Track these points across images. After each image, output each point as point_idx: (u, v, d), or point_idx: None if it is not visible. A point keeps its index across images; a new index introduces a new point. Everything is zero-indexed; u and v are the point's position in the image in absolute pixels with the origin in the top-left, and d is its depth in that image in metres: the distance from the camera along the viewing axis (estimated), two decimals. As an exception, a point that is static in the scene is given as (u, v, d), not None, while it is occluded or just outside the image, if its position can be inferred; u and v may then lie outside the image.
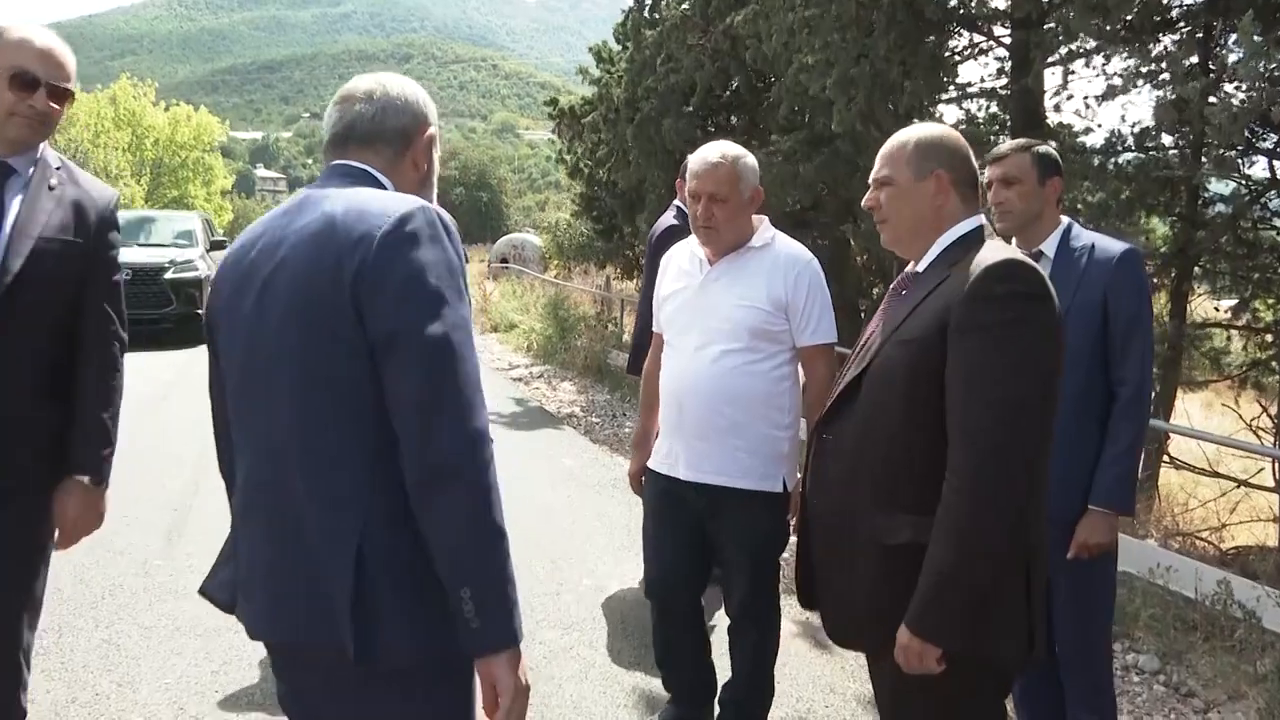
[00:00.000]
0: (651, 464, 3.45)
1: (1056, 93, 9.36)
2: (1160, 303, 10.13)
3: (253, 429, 1.87)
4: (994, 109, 10.40)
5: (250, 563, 1.89)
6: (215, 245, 16.53)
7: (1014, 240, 3.26)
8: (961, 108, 10.45)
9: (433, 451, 1.67)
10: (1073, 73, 9.19)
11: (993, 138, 9.81)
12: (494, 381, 12.84)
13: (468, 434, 1.69)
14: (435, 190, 2.11)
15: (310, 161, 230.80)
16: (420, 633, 1.76)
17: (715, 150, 3.27)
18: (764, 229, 3.33)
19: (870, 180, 2.42)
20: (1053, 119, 9.51)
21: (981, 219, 2.34)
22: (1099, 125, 11.56)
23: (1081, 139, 9.38)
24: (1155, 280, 9.74)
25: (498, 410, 10.57)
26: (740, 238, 3.27)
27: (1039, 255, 3.16)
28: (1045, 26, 8.17)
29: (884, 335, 2.30)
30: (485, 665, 1.72)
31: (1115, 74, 8.34)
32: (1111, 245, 3.12)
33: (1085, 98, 9.17)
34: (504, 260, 32.57)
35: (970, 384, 2.08)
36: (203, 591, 2.02)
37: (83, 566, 5.11)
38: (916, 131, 2.36)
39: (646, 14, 15.33)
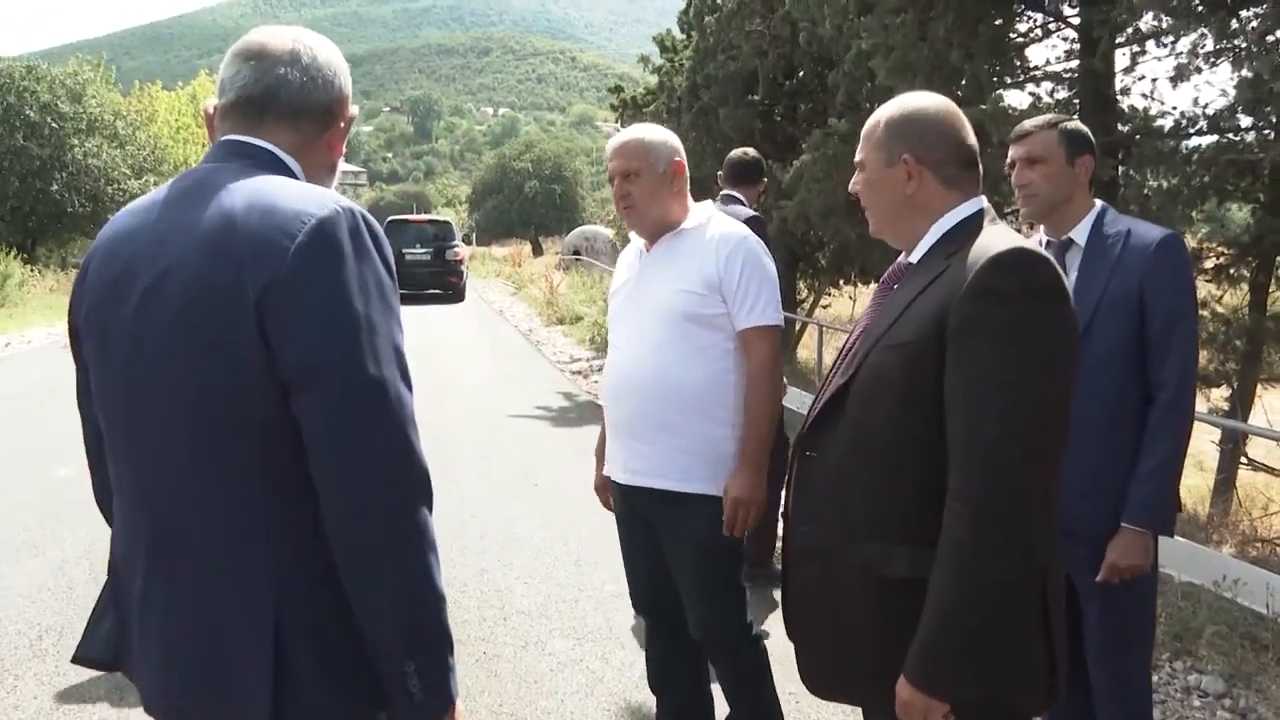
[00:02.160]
0: (606, 470, 3.22)
1: (1127, 73, 8.88)
2: (1240, 294, 9.63)
3: (134, 465, 1.58)
4: (1064, 93, 9.95)
5: (140, 620, 1.60)
6: None
7: (1040, 227, 2.96)
8: (1028, 91, 10.00)
9: (359, 515, 1.44)
10: (1144, 52, 8.71)
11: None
12: (547, 375, 12.75)
13: (401, 493, 1.46)
14: (338, 179, 1.80)
15: (390, 155, 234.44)
16: (352, 714, 1.53)
17: (629, 130, 3.10)
18: (701, 210, 3.11)
19: (855, 162, 2.14)
20: (1124, 102, 9.04)
21: (982, 202, 2.04)
22: (1174, 108, 10.95)
23: (1159, 122, 8.92)
24: (1233, 270, 9.26)
25: (545, 405, 10.43)
26: (668, 218, 3.05)
27: (1069, 243, 2.87)
28: (1111, 4, 7.73)
29: (873, 338, 2.01)
30: None
31: (1186, 53, 7.85)
32: (1149, 231, 2.81)
33: (1155, 79, 8.66)
34: (576, 252, 32.49)
35: (974, 392, 1.78)
36: (78, 659, 1.73)
37: (98, 567, 5.02)
38: (889, 108, 2.08)
39: (709, 1, 15.02)
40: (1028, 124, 2.88)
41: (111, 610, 1.70)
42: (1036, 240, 2.99)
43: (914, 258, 2.05)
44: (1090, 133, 2.89)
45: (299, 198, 1.51)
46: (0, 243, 23.21)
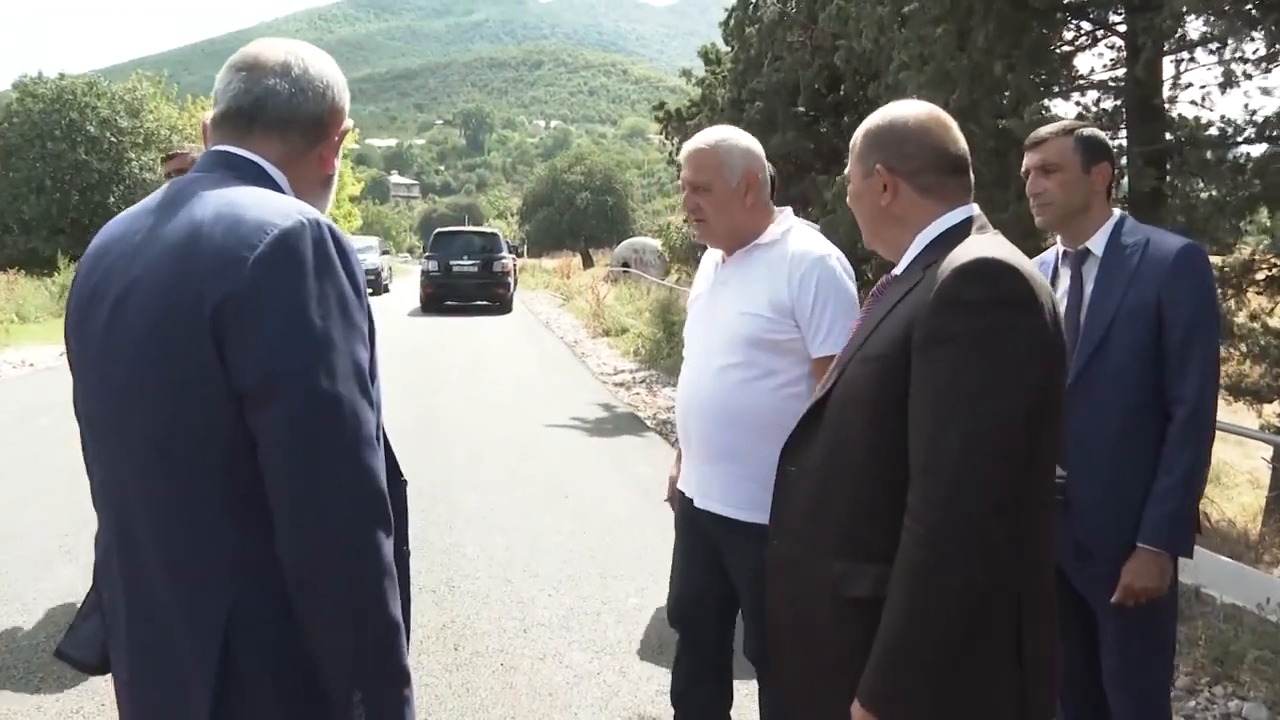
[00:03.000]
0: (679, 484, 3.16)
1: (1174, 83, 8.70)
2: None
3: (103, 472, 1.59)
4: (1113, 102, 9.78)
5: (112, 626, 1.61)
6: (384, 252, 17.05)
7: (1058, 237, 2.88)
8: (1074, 101, 9.82)
9: (309, 536, 1.40)
10: (1193, 60, 8.53)
11: (1111, 132, 9.24)
12: (589, 386, 12.73)
13: (351, 514, 1.41)
14: (334, 195, 1.78)
15: (442, 168, 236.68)
16: None
17: (700, 136, 2.92)
18: (781, 221, 2.92)
19: None
20: (1172, 111, 8.86)
21: (971, 210, 1.96)
22: (1222, 116, 10.65)
23: (1209, 131, 8.73)
24: (1286, 283, 9.02)
25: (583, 416, 10.41)
26: (742, 231, 2.87)
27: (1086, 253, 2.79)
28: (1156, 10, 7.58)
29: (851, 351, 1.95)
30: None
31: (1234, 58, 7.67)
32: (1168, 240, 2.72)
33: (1204, 87, 8.46)
34: (624, 265, 32.50)
35: (934, 406, 1.71)
36: (60, 654, 1.75)
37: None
38: (871, 119, 2.03)
39: (750, 12, 14.98)
40: (1043, 131, 2.81)
41: (96, 614, 1.71)
42: (1052, 251, 2.91)
43: (898, 269, 1.99)
44: (1107, 140, 2.81)
45: (266, 208, 1.48)
46: (62, 254, 23.67)
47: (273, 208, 1.48)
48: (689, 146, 2.90)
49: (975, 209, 1.96)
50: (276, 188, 1.60)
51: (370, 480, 1.43)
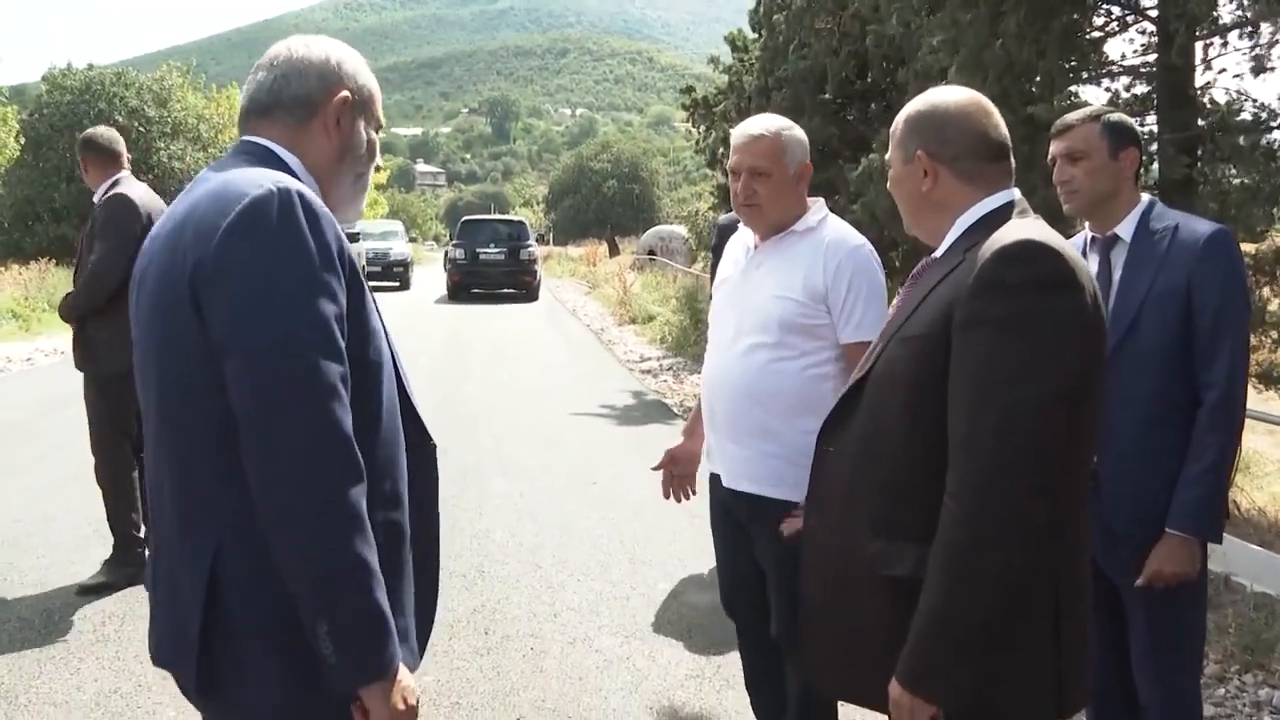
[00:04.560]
0: (709, 464, 3.18)
1: (1206, 68, 8.61)
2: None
3: (146, 430, 1.75)
4: (1143, 88, 9.69)
5: (152, 557, 1.79)
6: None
7: (1086, 224, 2.88)
8: (1104, 87, 9.73)
9: (268, 479, 1.49)
10: (1226, 44, 8.43)
11: (1141, 118, 9.15)
12: (616, 374, 12.77)
13: (310, 456, 1.49)
14: (368, 160, 1.87)
15: (468, 156, 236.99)
16: (292, 689, 1.58)
17: (758, 122, 2.96)
18: (815, 210, 2.99)
19: None
20: (1204, 97, 8.76)
21: (1013, 194, 1.98)
22: (1254, 101, 10.48)
23: (1241, 117, 8.63)
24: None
25: (610, 403, 10.45)
26: (786, 218, 2.94)
27: (1115, 239, 2.79)
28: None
29: (890, 332, 1.97)
30: (357, 696, 1.55)
31: (1268, 44, 7.58)
32: (1198, 225, 2.72)
33: (1239, 74, 8.37)
34: (651, 252, 32.45)
35: (973, 387, 1.73)
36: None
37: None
38: (912, 105, 2.04)
39: (778, -1, 14.91)
40: (1069, 117, 2.80)
41: None
42: (1080, 237, 2.91)
43: (939, 252, 2.01)
44: (1134, 125, 2.81)
45: (247, 181, 1.60)
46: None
47: (252, 180, 1.60)
48: (747, 132, 2.94)
49: (1016, 193, 1.97)
50: (284, 166, 1.72)
51: (329, 428, 1.50)
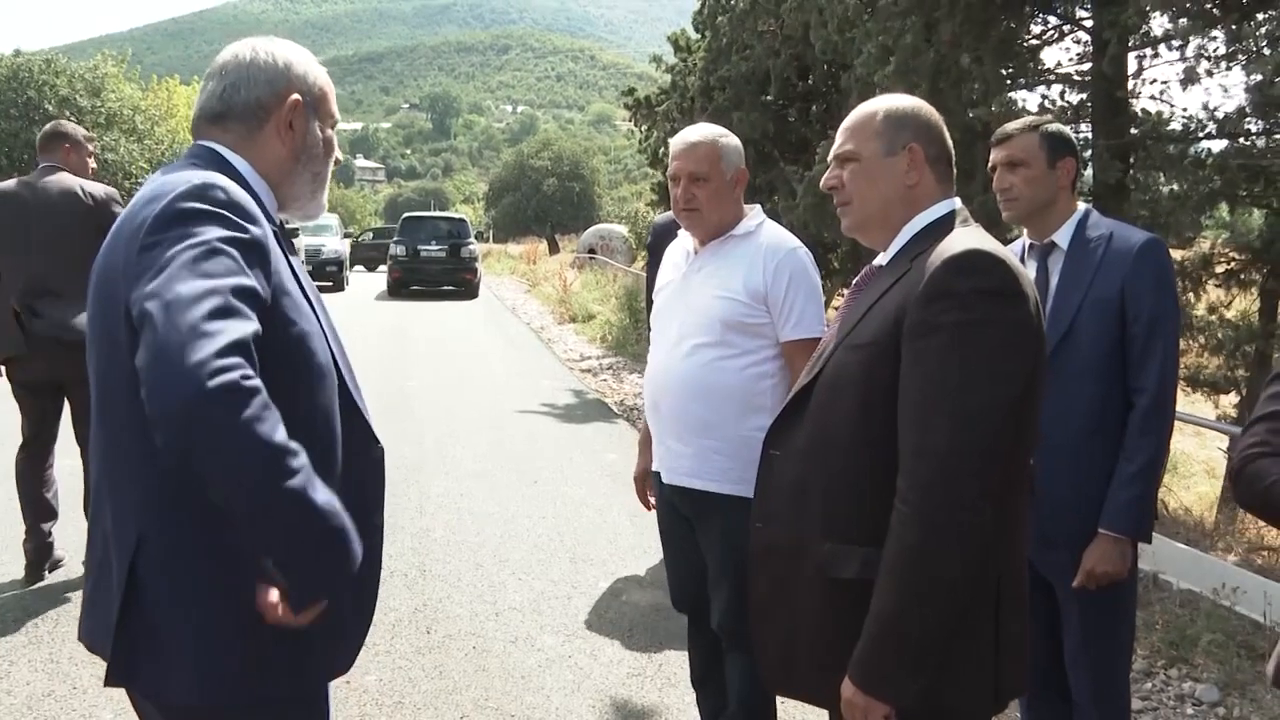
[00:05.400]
0: (655, 467, 3.23)
1: (1138, 77, 8.82)
2: (1249, 299, 9.56)
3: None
4: (1079, 96, 9.89)
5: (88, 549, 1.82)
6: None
7: (1024, 231, 2.95)
8: (1039, 94, 9.93)
9: (161, 425, 1.41)
10: (1156, 55, 8.65)
11: (1076, 125, 9.33)
12: (556, 373, 12.76)
13: (194, 392, 1.38)
14: (325, 158, 1.89)
15: (408, 151, 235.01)
16: (213, 684, 1.59)
17: (696, 131, 3.06)
18: (752, 216, 3.09)
19: (831, 156, 2.13)
20: (1135, 105, 8.98)
21: (956, 202, 2.04)
22: (1183, 110, 10.80)
23: (1171, 127, 8.86)
24: (1243, 276, 9.20)
25: (551, 402, 10.45)
26: (725, 222, 3.04)
27: (1052, 246, 2.86)
28: (1122, 6, 7.67)
29: (837, 338, 2.01)
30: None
31: (1195, 57, 7.79)
32: (1132, 234, 2.80)
33: (1166, 83, 8.60)
34: (591, 251, 32.44)
35: (923, 394, 1.78)
36: None
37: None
38: (885, 101, 2.07)
39: (722, 1, 14.98)
40: (1008, 127, 2.87)
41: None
42: (1019, 244, 2.98)
43: (885, 259, 2.05)
44: (1071, 135, 2.89)
45: (178, 180, 1.63)
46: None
47: (182, 178, 1.63)
48: (686, 140, 3.03)
49: (958, 202, 2.03)
50: (231, 169, 1.75)
51: (219, 368, 1.40)
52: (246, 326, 1.47)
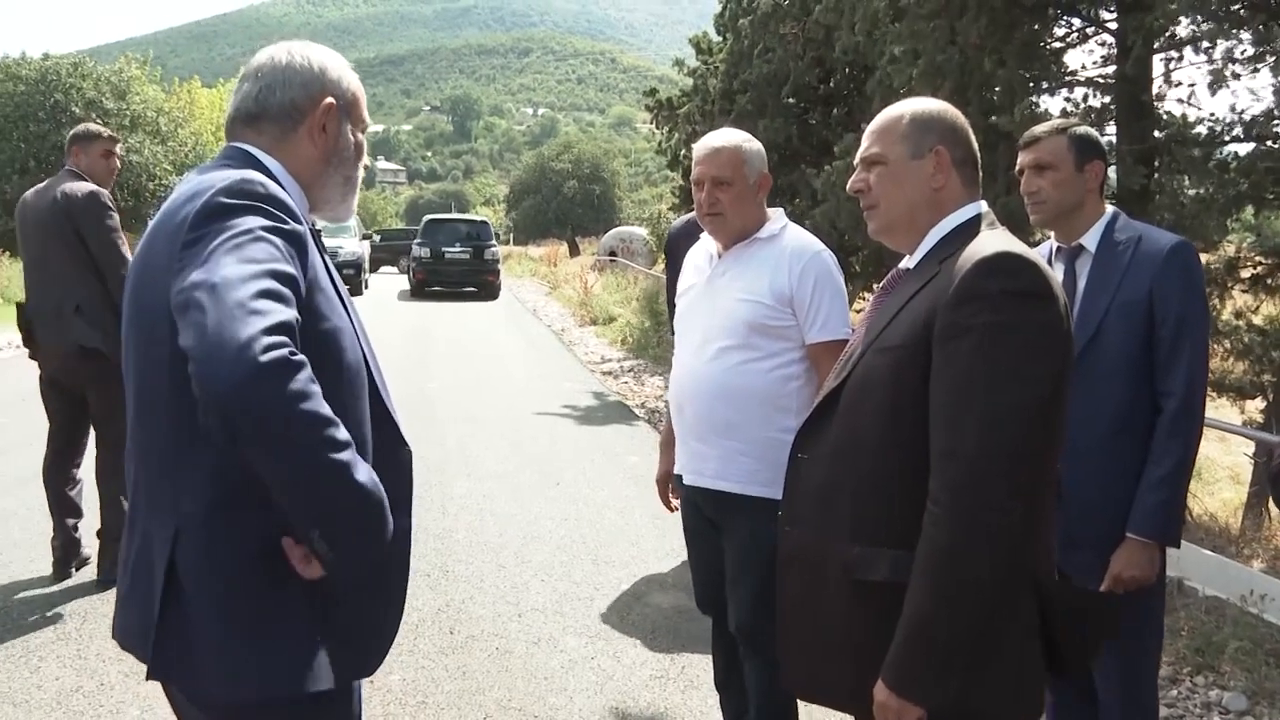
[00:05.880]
0: (676, 470, 3.24)
1: (1164, 80, 8.78)
2: (1277, 304, 9.47)
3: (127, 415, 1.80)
4: (1103, 99, 9.84)
5: (124, 547, 1.82)
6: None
7: (1052, 234, 2.94)
8: (1063, 97, 9.89)
9: (212, 401, 1.43)
10: (1180, 58, 8.60)
11: (1100, 128, 9.29)
12: (577, 375, 12.79)
13: (242, 372, 1.40)
14: (356, 161, 1.92)
15: (429, 154, 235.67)
16: (249, 681, 1.60)
17: (719, 135, 3.08)
18: (776, 219, 3.11)
19: (857, 160, 2.13)
20: (1160, 109, 8.92)
21: (982, 205, 2.04)
22: (1211, 115, 10.79)
23: (1196, 130, 8.80)
24: (1270, 280, 9.11)
25: (573, 404, 10.47)
26: (748, 226, 3.05)
27: (1079, 249, 2.85)
28: (1147, 9, 7.63)
29: (865, 342, 2.02)
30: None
31: (1223, 58, 7.74)
32: (1161, 237, 2.79)
33: (1193, 85, 8.55)
34: (611, 253, 32.46)
35: (953, 396, 1.78)
36: None
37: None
38: (912, 105, 2.08)
39: (744, 4, 14.99)
40: (1036, 130, 2.87)
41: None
42: (1046, 247, 2.98)
43: (912, 261, 2.05)
44: (1099, 138, 2.88)
45: (215, 180, 1.64)
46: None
47: (220, 175, 1.66)
48: (709, 145, 3.05)
49: (984, 205, 2.03)
50: (265, 169, 1.76)
51: (269, 345, 1.43)
52: (289, 311, 1.50)
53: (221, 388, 1.41)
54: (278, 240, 1.58)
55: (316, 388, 1.47)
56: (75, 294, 4.75)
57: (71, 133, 5.13)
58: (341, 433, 1.50)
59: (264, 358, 1.40)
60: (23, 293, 5.08)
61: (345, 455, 1.49)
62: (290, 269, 1.56)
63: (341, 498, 1.51)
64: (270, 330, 1.43)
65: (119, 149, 5.19)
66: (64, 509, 5.02)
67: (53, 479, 5.06)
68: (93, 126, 5.19)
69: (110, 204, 4.85)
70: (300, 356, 1.46)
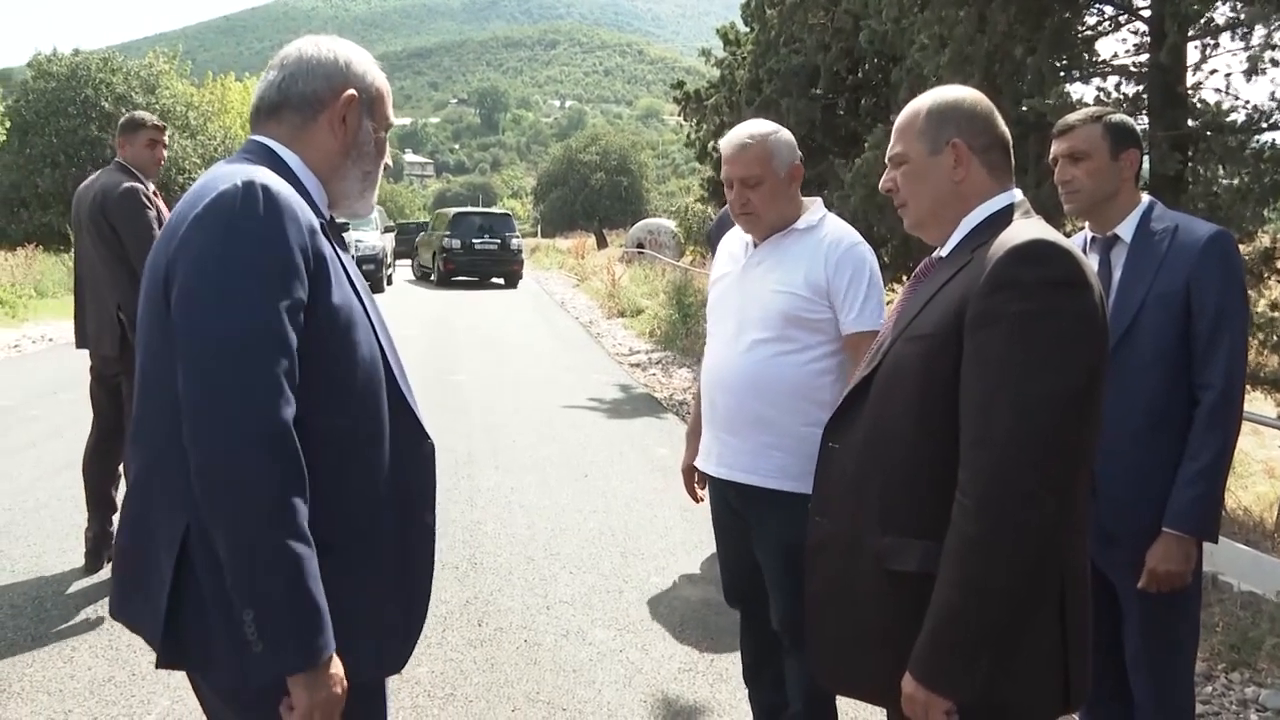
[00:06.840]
0: (697, 462, 3.21)
1: (1198, 67, 8.64)
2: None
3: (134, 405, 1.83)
4: (1135, 88, 9.72)
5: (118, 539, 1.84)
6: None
7: (1086, 224, 2.90)
8: (1094, 85, 9.75)
9: (199, 462, 1.52)
10: (1216, 45, 8.47)
11: (1133, 117, 9.15)
12: (605, 367, 12.77)
13: (235, 443, 1.51)
14: (376, 157, 1.91)
15: (457, 146, 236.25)
16: (260, 671, 1.60)
17: (744, 130, 2.99)
18: (814, 210, 3.03)
19: (887, 158, 2.11)
20: (1195, 97, 8.79)
21: (1015, 194, 2.00)
22: (1247, 103, 10.49)
23: (1232, 118, 8.66)
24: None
25: (600, 396, 10.46)
26: (783, 219, 2.98)
27: (1115, 239, 2.81)
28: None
29: (897, 330, 1.99)
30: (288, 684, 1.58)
31: (1261, 46, 7.60)
32: (1198, 227, 2.73)
33: (1229, 73, 8.40)
34: (639, 245, 32.47)
35: (984, 384, 1.75)
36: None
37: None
38: (930, 97, 2.05)
39: (772, -7, 14.91)
40: (1071, 118, 2.82)
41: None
42: (1081, 237, 2.93)
43: (944, 251, 2.03)
44: (1135, 126, 2.83)
45: (225, 177, 1.64)
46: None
47: (228, 175, 1.65)
48: (734, 142, 2.97)
49: (1018, 193, 2.00)
50: (281, 163, 1.77)
51: (259, 418, 1.52)
52: (282, 360, 1.56)
53: (205, 459, 1.52)
54: (267, 263, 1.60)
55: (298, 475, 1.54)
56: (115, 290, 4.80)
57: (119, 123, 5.17)
58: (302, 527, 1.54)
59: (248, 436, 1.51)
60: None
61: (299, 549, 1.54)
62: (294, 295, 1.60)
63: (279, 592, 1.53)
64: (269, 419, 1.52)
65: (165, 137, 5.18)
66: (100, 501, 5.06)
67: (93, 471, 5.10)
68: (138, 115, 5.17)
69: (146, 201, 4.86)
70: (292, 452, 1.54)
